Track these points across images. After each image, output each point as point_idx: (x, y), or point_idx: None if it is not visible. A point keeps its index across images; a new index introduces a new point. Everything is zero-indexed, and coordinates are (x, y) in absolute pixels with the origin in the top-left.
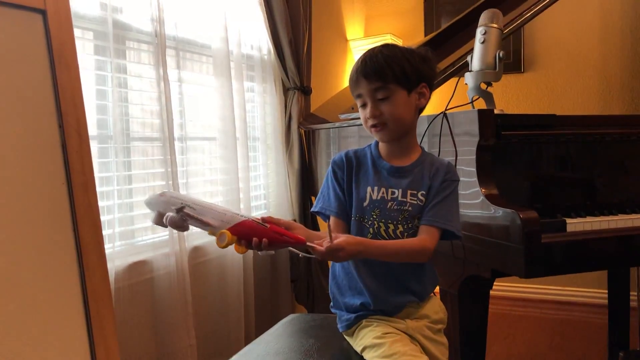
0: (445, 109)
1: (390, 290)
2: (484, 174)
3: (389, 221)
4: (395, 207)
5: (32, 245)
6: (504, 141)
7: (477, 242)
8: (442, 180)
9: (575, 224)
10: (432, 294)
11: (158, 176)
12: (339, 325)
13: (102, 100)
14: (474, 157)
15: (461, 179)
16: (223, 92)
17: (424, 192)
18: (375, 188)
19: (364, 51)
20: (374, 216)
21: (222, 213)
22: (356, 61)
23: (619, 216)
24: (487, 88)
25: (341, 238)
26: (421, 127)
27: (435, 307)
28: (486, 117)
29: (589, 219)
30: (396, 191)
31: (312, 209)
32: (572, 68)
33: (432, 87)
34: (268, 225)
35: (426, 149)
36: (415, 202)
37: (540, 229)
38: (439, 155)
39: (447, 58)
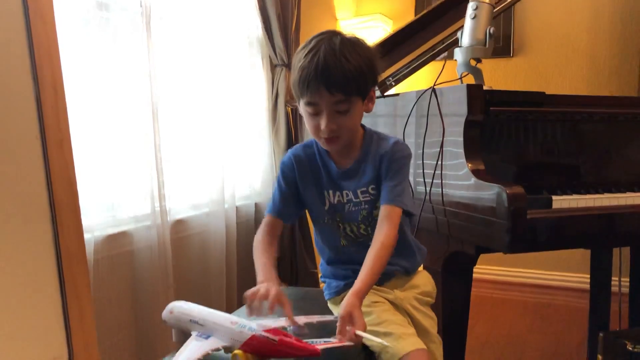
0: (434, 84)
1: None
2: (471, 150)
3: (352, 223)
4: (353, 208)
5: (3, 201)
6: (492, 117)
7: (462, 218)
8: (389, 163)
9: (561, 201)
10: (422, 268)
11: (141, 145)
12: (326, 293)
13: (86, 65)
14: (462, 132)
15: (448, 152)
16: (208, 66)
17: (374, 186)
18: (331, 192)
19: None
20: (338, 219)
21: (230, 329)
22: (308, 59)
23: (605, 195)
24: (476, 64)
25: (342, 310)
26: (409, 102)
27: (424, 279)
28: (475, 92)
29: (574, 196)
30: (349, 192)
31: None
32: (562, 53)
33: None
34: (277, 340)
35: (413, 130)
36: (368, 198)
37: (526, 205)
38: (425, 133)
39: (438, 36)
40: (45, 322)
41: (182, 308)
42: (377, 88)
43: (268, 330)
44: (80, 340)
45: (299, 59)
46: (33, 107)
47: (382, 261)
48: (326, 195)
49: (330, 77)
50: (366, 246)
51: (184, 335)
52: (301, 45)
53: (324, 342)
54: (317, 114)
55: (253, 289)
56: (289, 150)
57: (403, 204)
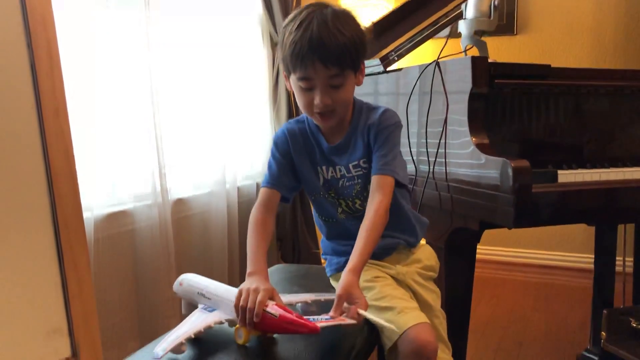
0: (438, 58)
1: None
2: (475, 123)
3: (347, 198)
4: (347, 183)
5: None
6: (497, 90)
7: (465, 193)
8: (377, 132)
9: (566, 175)
10: (424, 242)
11: (141, 124)
12: (327, 269)
13: (84, 42)
14: (466, 106)
15: (452, 128)
16: (209, 44)
17: (365, 159)
18: (324, 167)
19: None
20: (333, 195)
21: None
22: (300, 32)
23: (611, 169)
24: (481, 37)
25: (339, 290)
26: (412, 79)
27: (426, 253)
28: (479, 65)
29: (580, 171)
30: (342, 168)
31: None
32: (566, 31)
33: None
34: (278, 315)
35: (416, 108)
36: (360, 172)
37: (531, 179)
38: (428, 110)
39: (442, 9)
40: (43, 294)
41: (191, 280)
42: (380, 63)
43: (269, 306)
44: (80, 312)
45: (289, 32)
46: (28, 75)
47: (375, 232)
48: (320, 171)
49: (326, 50)
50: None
51: (193, 308)
52: (288, 17)
53: (326, 319)
54: (310, 89)
55: (238, 296)
56: (283, 125)
57: (394, 173)
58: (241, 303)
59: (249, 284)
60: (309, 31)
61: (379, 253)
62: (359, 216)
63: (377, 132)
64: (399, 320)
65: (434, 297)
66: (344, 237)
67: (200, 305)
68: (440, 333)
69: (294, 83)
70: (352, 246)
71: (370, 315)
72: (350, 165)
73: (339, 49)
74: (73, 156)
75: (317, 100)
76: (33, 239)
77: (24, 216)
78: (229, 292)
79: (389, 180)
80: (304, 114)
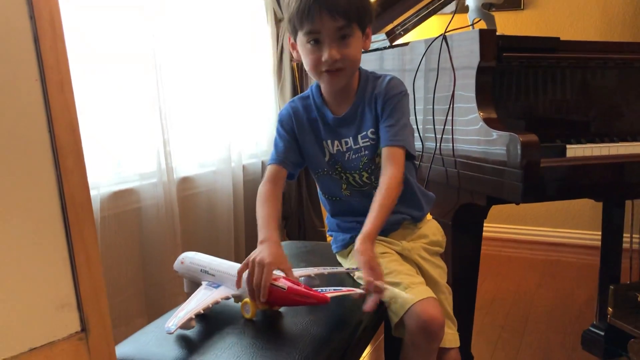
0: (445, 31)
1: None
2: (483, 97)
3: (354, 171)
4: (353, 156)
5: (3, 148)
6: (505, 64)
7: (473, 169)
8: (384, 102)
9: (575, 149)
10: (430, 217)
11: (146, 103)
12: (333, 247)
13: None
14: (473, 82)
15: (459, 105)
16: (212, 21)
17: (373, 130)
18: (329, 142)
19: None
20: (339, 169)
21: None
22: None
23: (620, 143)
24: (489, 10)
25: (360, 257)
26: (418, 55)
27: (432, 229)
28: (487, 37)
29: (589, 145)
30: (348, 140)
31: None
32: (573, 6)
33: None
34: (286, 287)
35: (422, 83)
36: (368, 143)
37: (540, 153)
38: (435, 86)
39: None
40: (52, 269)
41: (192, 258)
42: (386, 38)
43: (277, 279)
44: (88, 287)
45: None
46: (31, 48)
47: (389, 201)
48: (325, 146)
49: (332, 1)
50: (369, 196)
51: (196, 286)
52: None
53: (334, 289)
54: (318, 44)
55: (243, 267)
56: (287, 103)
57: (405, 142)
58: (249, 278)
59: (257, 252)
60: None
61: (385, 229)
62: (364, 192)
63: (385, 102)
64: (403, 296)
65: (439, 272)
66: (348, 213)
67: (204, 282)
68: (446, 308)
69: (301, 44)
70: (357, 222)
71: (389, 287)
72: (359, 136)
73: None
74: (79, 130)
75: (325, 55)
76: (40, 215)
77: (31, 192)
78: (232, 268)
79: (400, 151)
80: (308, 89)
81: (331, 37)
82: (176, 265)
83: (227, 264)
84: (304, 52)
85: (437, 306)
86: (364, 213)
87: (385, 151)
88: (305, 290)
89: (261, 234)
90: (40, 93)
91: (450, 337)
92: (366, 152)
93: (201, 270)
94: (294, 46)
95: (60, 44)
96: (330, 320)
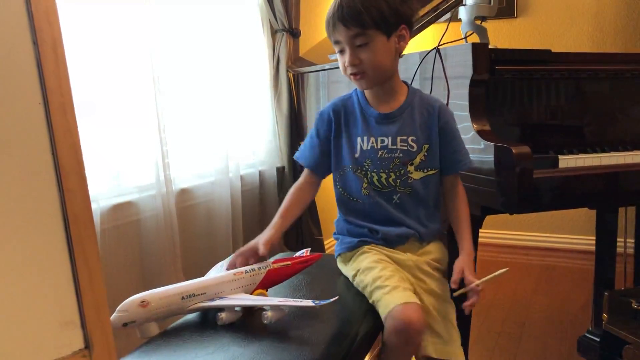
0: (438, 44)
1: (390, 226)
2: (476, 110)
3: (381, 170)
4: (386, 155)
5: (8, 169)
6: (498, 76)
7: (467, 179)
8: (445, 121)
9: (567, 160)
10: (437, 240)
11: (144, 115)
12: (337, 248)
13: (86, 34)
14: (467, 92)
15: (454, 113)
16: (209, 33)
17: (415, 138)
18: (365, 138)
19: None
20: (366, 166)
21: (241, 278)
22: (332, 3)
23: (612, 153)
24: (481, 23)
25: (466, 276)
26: (413, 65)
27: (436, 246)
28: (480, 51)
29: (581, 155)
30: (386, 139)
31: (294, 156)
32: (566, 13)
33: (412, 28)
34: (290, 263)
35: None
36: (405, 148)
37: (533, 164)
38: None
39: None
40: (56, 288)
41: (158, 295)
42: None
43: (275, 261)
44: (91, 304)
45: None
46: (34, 73)
47: (469, 219)
48: (359, 142)
49: (343, 12)
50: (386, 201)
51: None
52: None
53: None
54: (342, 51)
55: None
56: (329, 102)
57: (466, 165)
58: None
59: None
60: (336, 2)
61: (393, 240)
62: (384, 193)
63: (446, 122)
64: (387, 298)
65: (441, 286)
66: (361, 216)
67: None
68: (450, 320)
69: (335, 50)
70: (369, 229)
71: (484, 279)
72: (399, 138)
73: (355, 9)
74: (81, 152)
75: (345, 60)
76: (44, 234)
77: (34, 212)
78: (220, 277)
79: (458, 178)
80: (352, 91)
81: (349, 44)
82: (124, 316)
83: (206, 279)
84: (338, 59)
85: (418, 311)
86: (375, 219)
87: (449, 179)
88: (305, 256)
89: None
90: (43, 116)
91: (458, 352)
92: (400, 154)
93: (183, 298)
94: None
95: (63, 68)
96: (328, 332)
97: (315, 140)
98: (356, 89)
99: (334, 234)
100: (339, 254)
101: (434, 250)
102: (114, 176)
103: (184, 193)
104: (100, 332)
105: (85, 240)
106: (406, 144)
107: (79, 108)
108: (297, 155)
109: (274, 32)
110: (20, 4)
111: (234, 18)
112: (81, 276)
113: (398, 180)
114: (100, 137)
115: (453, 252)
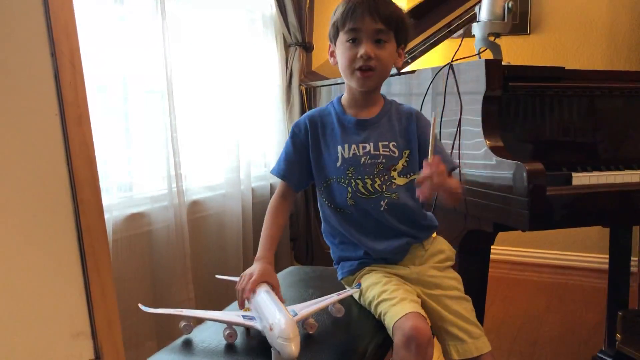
0: (452, 60)
1: (384, 238)
2: (490, 126)
3: (365, 177)
4: (369, 160)
5: (24, 180)
6: (511, 93)
7: (480, 196)
8: (422, 125)
9: (581, 178)
10: (435, 235)
11: (157, 127)
12: (340, 272)
13: (99, 48)
14: (480, 108)
15: (466, 129)
16: (222, 46)
17: (395, 143)
18: (346, 146)
19: None
20: (349, 175)
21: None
22: None
23: (626, 171)
24: (494, 40)
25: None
26: (426, 81)
27: (440, 245)
28: (493, 67)
29: (594, 173)
30: (367, 145)
31: (270, 171)
32: (580, 30)
33: (403, 52)
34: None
35: (429, 109)
36: (387, 153)
37: (546, 181)
38: (442, 111)
39: (455, 11)
40: (68, 298)
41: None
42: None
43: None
44: (103, 316)
45: (342, 2)
46: (52, 85)
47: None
48: (340, 151)
49: (376, 5)
50: (373, 210)
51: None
52: None
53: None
54: (355, 41)
55: (239, 282)
56: (301, 118)
57: (454, 164)
58: (237, 285)
59: (250, 269)
60: None
61: (393, 258)
62: (371, 200)
63: (423, 126)
64: (393, 310)
65: (454, 283)
66: (352, 229)
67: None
68: (466, 316)
69: (340, 44)
70: (364, 252)
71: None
72: (380, 143)
73: (388, 8)
74: (95, 164)
75: (361, 50)
76: (58, 245)
77: (49, 223)
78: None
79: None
80: (328, 104)
81: (369, 36)
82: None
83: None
84: (341, 51)
85: (424, 321)
86: (368, 230)
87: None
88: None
89: (258, 252)
90: (60, 127)
91: (481, 345)
92: (383, 160)
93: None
94: (332, 53)
95: (80, 80)
96: (337, 349)
97: (291, 150)
98: (332, 101)
99: (334, 264)
100: (342, 278)
101: (437, 251)
102: (127, 187)
103: (195, 205)
104: (110, 343)
105: (98, 252)
106: (388, 149)
107: (93, 118)
108: (273, 169)
109: (287, 46)
110: (39, 15)
111: (248, 32)
112: (93, 287)
113: (384, 186)
114: (114, 148)
115: (463, 269)
